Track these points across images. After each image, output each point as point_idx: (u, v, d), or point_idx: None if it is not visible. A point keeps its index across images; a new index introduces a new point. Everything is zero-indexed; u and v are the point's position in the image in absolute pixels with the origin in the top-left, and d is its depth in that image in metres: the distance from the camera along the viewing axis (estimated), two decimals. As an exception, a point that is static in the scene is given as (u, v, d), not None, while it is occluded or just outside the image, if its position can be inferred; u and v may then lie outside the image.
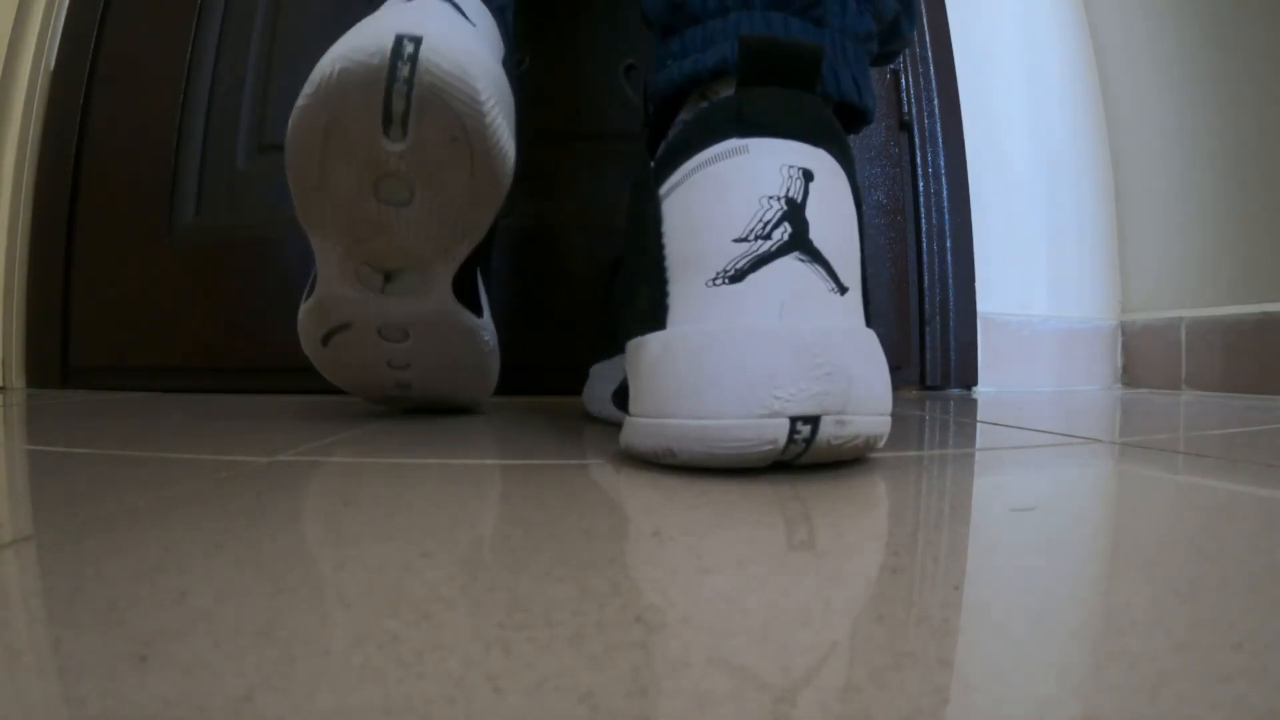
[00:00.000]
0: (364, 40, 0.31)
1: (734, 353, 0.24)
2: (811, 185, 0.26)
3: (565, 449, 0.33)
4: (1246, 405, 0.64)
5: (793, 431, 0.24)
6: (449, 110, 0.32)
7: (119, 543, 0.17)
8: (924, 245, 0.83)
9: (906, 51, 0.83)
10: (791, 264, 0.25)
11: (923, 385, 0.83)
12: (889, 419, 0.27)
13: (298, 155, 0.34)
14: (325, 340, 0.42)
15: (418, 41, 0.31)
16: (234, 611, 0.12)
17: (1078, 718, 0.09)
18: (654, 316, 0.27)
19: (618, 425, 0.37)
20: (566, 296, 0.70)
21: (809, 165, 0.26)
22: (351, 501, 0.22)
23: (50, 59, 0.77)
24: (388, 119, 0.32)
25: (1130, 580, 0.15)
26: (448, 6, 0.36)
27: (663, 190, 0.28)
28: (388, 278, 0.39)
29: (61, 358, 0.74)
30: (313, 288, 0.41)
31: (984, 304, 0.86)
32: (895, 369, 0.80)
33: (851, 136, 0.33)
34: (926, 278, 0.82)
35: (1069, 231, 0.95)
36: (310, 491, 0.24)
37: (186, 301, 0.72)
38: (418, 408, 0.51)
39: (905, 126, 0.83)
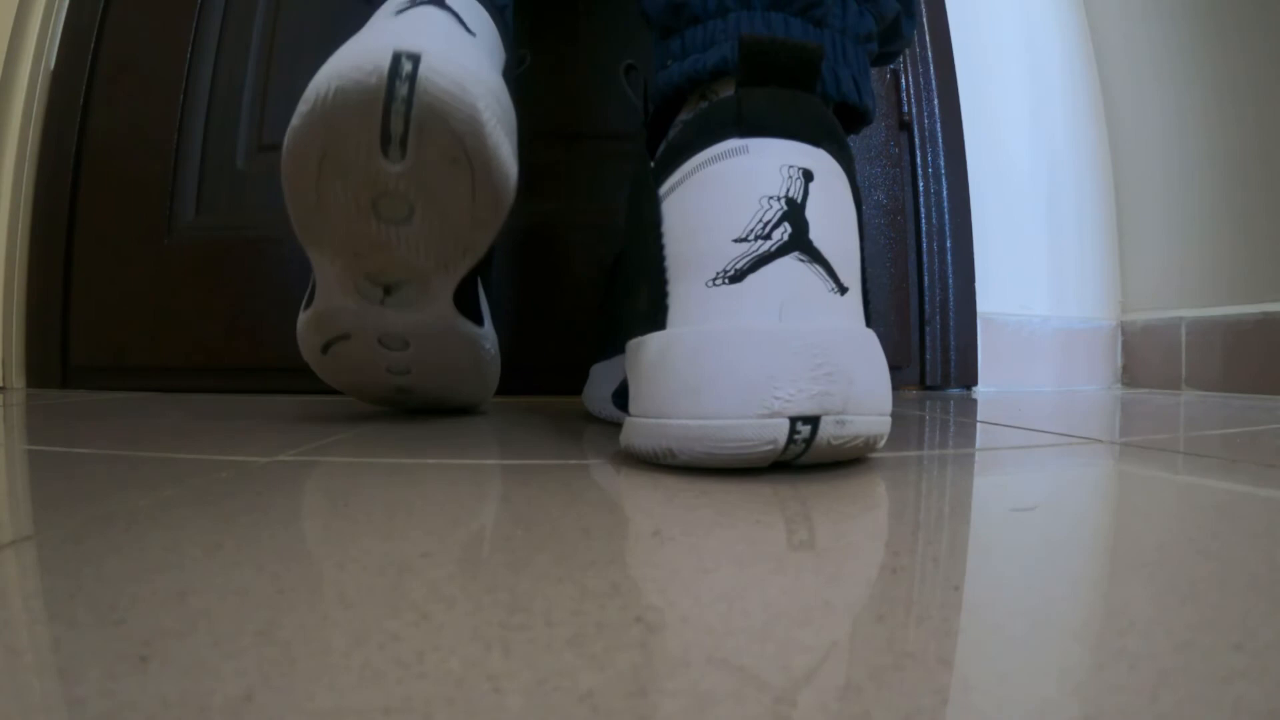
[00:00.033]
0: (360, 58, 0.30)
1: (734, 353, 0.24)
2: (811, 185, 0.26)
3: (565, 449, 0.33)
4: (1246, 405, 0.64)
5: (793, 432, 0.24)
6: (449, 131, 0.31)
7: (119, 543, 0.17)
8: (924, 245, 0.83)
9: (906, 51, 0.83)
10: (791, 264, 0.25)
11: (923, 385, 0.83)
12: (889, 419, 0.27)
13: (293, 174, 0.33)
14: (325, 349, 0.42)
15: (416, 59, 0.30)
16: (234, 611, 0.12)
17: (1078, 718, 0.09)
18: (654, 317, 0.27)
19: (618, 425, 0.37)
20: (566, 296, 0.70)
21: (809, 165, 0.26)
22: (351, 501, 0.22)
23: (50, 59, 0.77)
24: (386, 139, 0.31)
25: (1130, 580, 0.15)
26: (446, 16, 0.35)
27: (663, 190, 0.28)
28: (388, 290, 0.39)
29: (61, 358, 0.74)
30: (311, 298, 0.41)
31: (984, 304, 0.86)
32: (895, 369, 0.80)
33: (851, 136, 0.33)
34: (926, 278, 0.83)
35: (1069, 231, 0.95)
36: (310, 491, 0.24)
37: (186, 301, 0.72)
38: (418, 409, 0.51)
39: (905, 126, 0.83)
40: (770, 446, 0.24)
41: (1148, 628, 0.12)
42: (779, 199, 0.26)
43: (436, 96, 0.30)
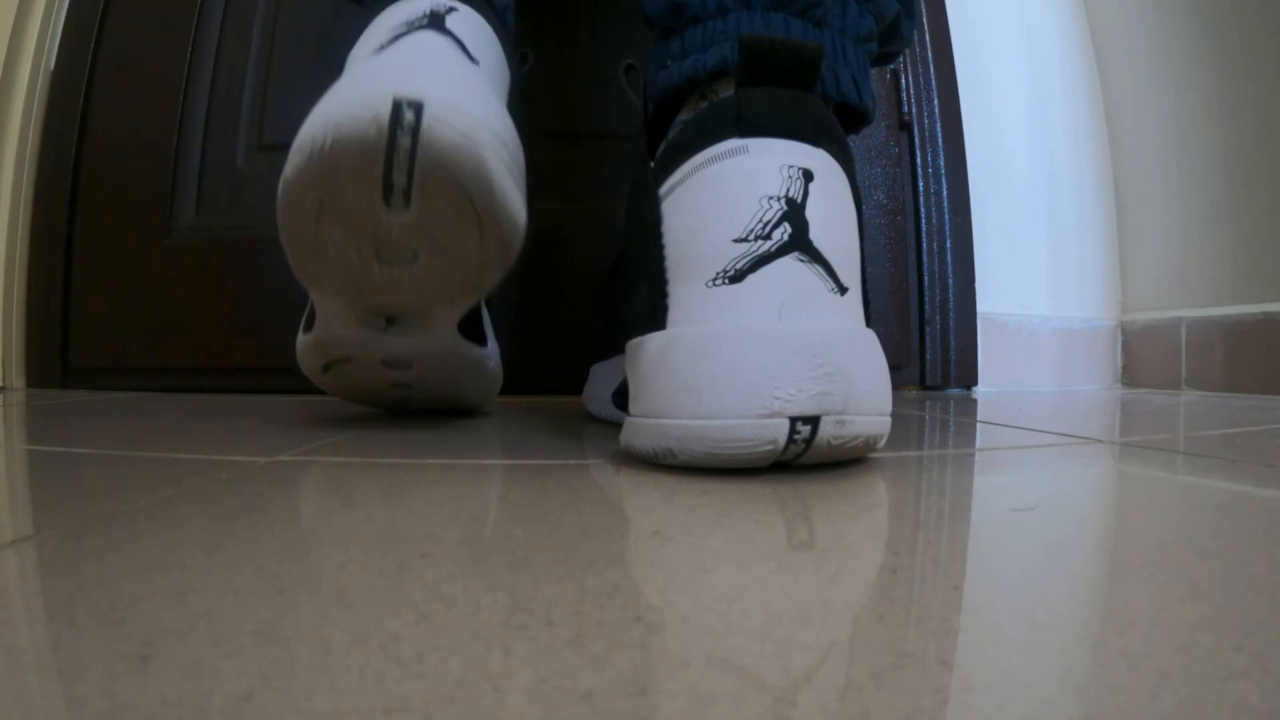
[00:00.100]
0: (358, 106, 0.28)
1: (734, 353, 0.24)
2: (811, 185, 0.26)
3: (565, 449, 0.33)
4: (1247, 405, 0.64)
5: (792, 432, 0.24)
6: (455, 183, 0.30)
7: (119, 543, 0.17)
8: (924, 245, 0.83)
9: (906, 51, 0.83)
10: (791, 264, 0.25)
11: (923, 385, 0.83)
12: (889, 419, 0.27)
13: (290, 222, 0.32)
14: (326, 369, 0.42)
15: (419, 108, 0.28)
16: (234, 611, 0.12)
17: (1078, 718, 0.09)
18: (654, 317, 0.27)
19: (618, 425, 0.37)
20: (567, 296, 0.70)
21: (809, 165, 0.26)
22: (351, 501, 0.22)
23: (50, 59, 0.77)
24: (388, 190, 0.30)
25: (1130, 580, 0.15)
26: (446, 43, 0.33)
27: (662, 190, 0.28)
28: (390, 320, 0.37)
29: (61, 358, 0.74)
30: (311, 321, 0.40)
31: (984, 304, 0.86)
32: (895, 369, 0.80)
33: (851, 136, 0.33)
34: (926, 278, 0.83)
35: (1069, 232, 0.95)
36: (310, 491, 0.24)
37: (186, 301, 0.72)
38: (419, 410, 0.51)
39: (905, 126, 0.83)
40: (770, 446, 0.24)
41: (1148, 628, 0.12)
42: (779, 199, 0.26)
43: (441, 149, 0.29)
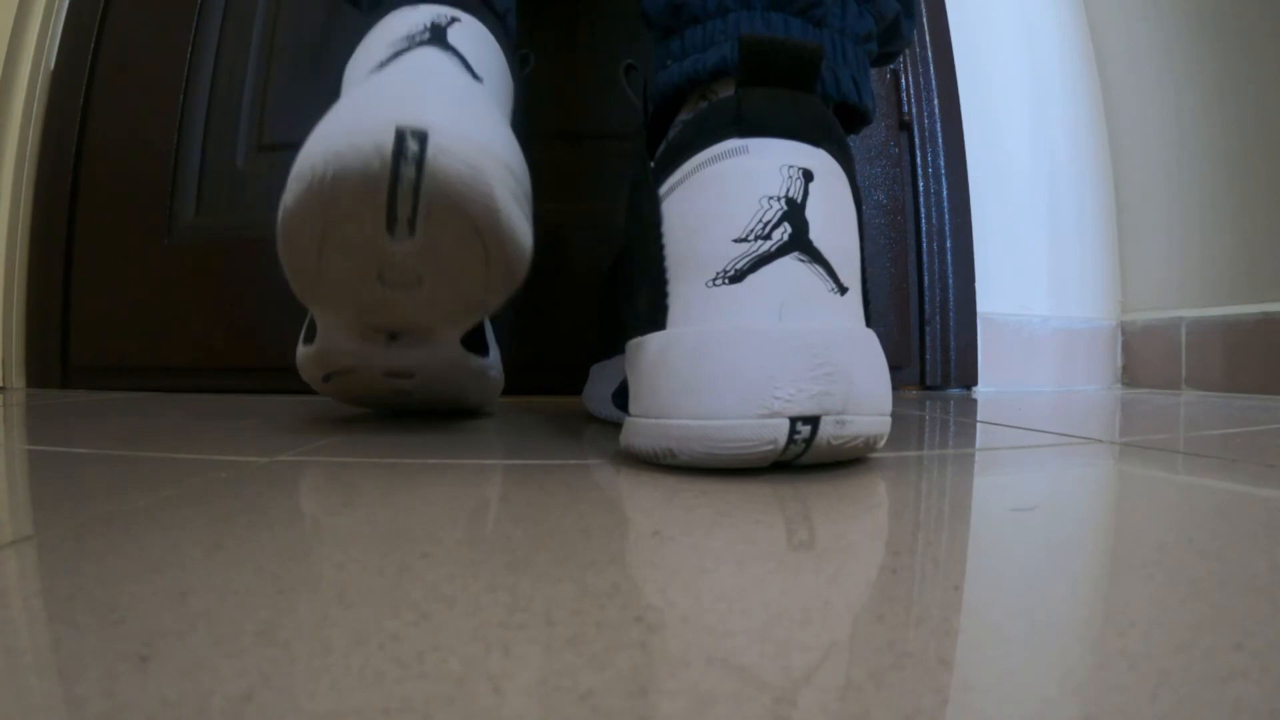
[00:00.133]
0: (359, 135, 0.27)
1: (734, 353, 0.24)
2: (811, 185, 0.26)
3: (565, 449, 0.33)
4: (1247, 405, 0.64)
5: (793, 432, 0.24)
6: (462, 213, 0.29)
7: (119, 543, 0.17)
8: (924, 245, 0.83)
9: (906, 51, 0.83)
10: (791, 264, 0.25)
11: (923, 385, 0.83)
12: (889, 419, 0.27)
13: (291, 249, 0.31)
14: (327, 379, 0.42)
15: (423, 138, 0.27)
16: (234, 611, 0.12)
17: (1078, 718, 0.09)
18: (654, 317, 0.27)
19: (618, 425, 0.37)
20: (567, 296, 0.70)
21: (809, 165, 0.26)
22: (351, 501, 0.22)
23: (50, 59, 0.77)
24: (392, 220, 0.29)
25: (1130, 580, 0.15)
26: (449, 60, 0.32)
27: (662, 190, 0.28)
28: (393, 336, 0.37)
29: (61, 358, 0.74)
30: (311, 333, 0.39)
31: (984, 304, 0.86)
32: (895, 369, 0.80)
33: (851, 136, 0.33)
34: (926, 278, 0.83)
35: (1069, 232, 0.95)
36: (310, 491, 0.24)
37: (186, 301, 0.72)
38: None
39: (905, 126, 0.83)
40: (770, 446, 0.24)
41: (1148, 628, 0.12)
42: (779, 199, 0.26)
43: (446, 180, 0.28)
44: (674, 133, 0.32)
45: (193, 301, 0.71)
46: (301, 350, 0.40)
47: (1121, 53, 0.97)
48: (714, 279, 0.25)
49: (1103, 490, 0.27)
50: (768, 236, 0.25)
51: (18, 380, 0.75)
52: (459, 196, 0.28)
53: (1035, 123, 0.94)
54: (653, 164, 0.30)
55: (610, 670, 0.10)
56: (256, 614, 0.12)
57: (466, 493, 0.23)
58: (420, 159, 0.27)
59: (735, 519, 0.19)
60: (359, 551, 0.16)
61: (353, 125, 0.27)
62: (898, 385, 0.81)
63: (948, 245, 0.83)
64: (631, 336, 0.29)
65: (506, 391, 0.55)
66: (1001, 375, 0.88)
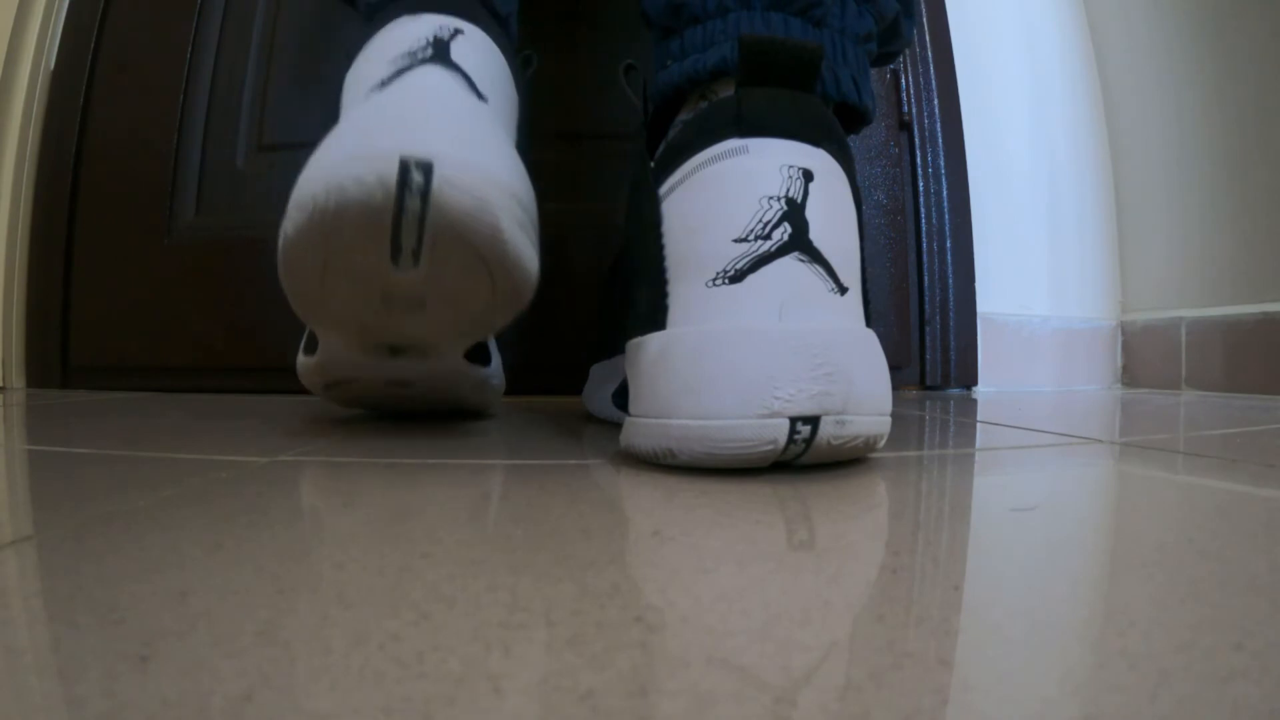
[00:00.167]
0: (362, 166, 0.26)
1: (734, 353, 0.24)
2: (811, 185, 0.26)
3: (565, 449, 0.33)
4: (1247, 405, 0.64)
5: (793, 432, 0.24)
6: (467, 244, 0.28)
7: (119, 543, 0.17)
8: (924, 245, 0.83)
9: (906, 51, 0.83)
10: (791, 264, 0.25)
11: (923, 385, 0.83)
12: (889, 419, 0.27)
13: (293, 277, 0.30)
14: (328, 388, 0.42)
15: (428, 170, 0.26)
16: (234, 611, 0.12)
17: (1078, 718, 0.09)
18: (654, 317, 0.27)
19: (618, 425, 0.37)
20: (567, 296, 0.70)
21: (809, 165, 0.26)
22: (351, 501, 0.22)
23: (50, 59, 0.77)
24: (396, 251, 0.28)
25: (1130, 580, 0.15)
26: (453, 80, 0.31)
27: (662, 190, 0.28)
28: (395, 350, 0.37)
29: (61, 358, 0.74)
30: (311, 344, 0.39)
31: (984, 304, 0.86)
32: (895, 369, 0.80)
33: (851, 136, 0.33)
34: (926, 278, 0.83)
35: (1069, 231, 0.95)
36: (310, 491, 0.24)
37: (186, 301, 0.72)
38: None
39: (905, 126, 0.83)
40: (770, 446, 0.24)
41: (1148, 628, 0.12)
42: (779, 199, 0.26)
43: (452, 213, 0.27)
44: (674, 133, 0.32)
45: (193, 301, 0.71)
46: (302, 360, 0.40)
47: (1121, 53, 0.97)
48: (714, 279, 0.25)
49: (1103, 490, 0.27)
50: (768, 236, 0.25)
51: (18, 380, 0.74)
52: (464, 228, 0.28)
53: (1035, 123, 0.94)
54: (653, 164, 0.30)
55: (610, 670, 0.10)
56: (256, 614, 0.12)
57: (466, 493, 0.23)
58: (425, 191, 0.26)
59: (735, 519, 0.19)
60: (359, 551, 0.16)
61: (355, 154, 0.27)
62: (898, 385, 0.81)
63: (948, 245, 0.83)
64: (631, 336, 0.29)
65: (507, 392, 0.55)
66: (1001, 375, 0.88)
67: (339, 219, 0.27)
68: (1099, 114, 0.99)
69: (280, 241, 0.29)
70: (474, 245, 0.28)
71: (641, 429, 0.27)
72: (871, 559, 0.17)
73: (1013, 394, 0.80)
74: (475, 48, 0.33)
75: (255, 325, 0.70)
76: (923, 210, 0.83)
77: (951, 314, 0.83)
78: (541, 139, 0.69)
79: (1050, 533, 0.19)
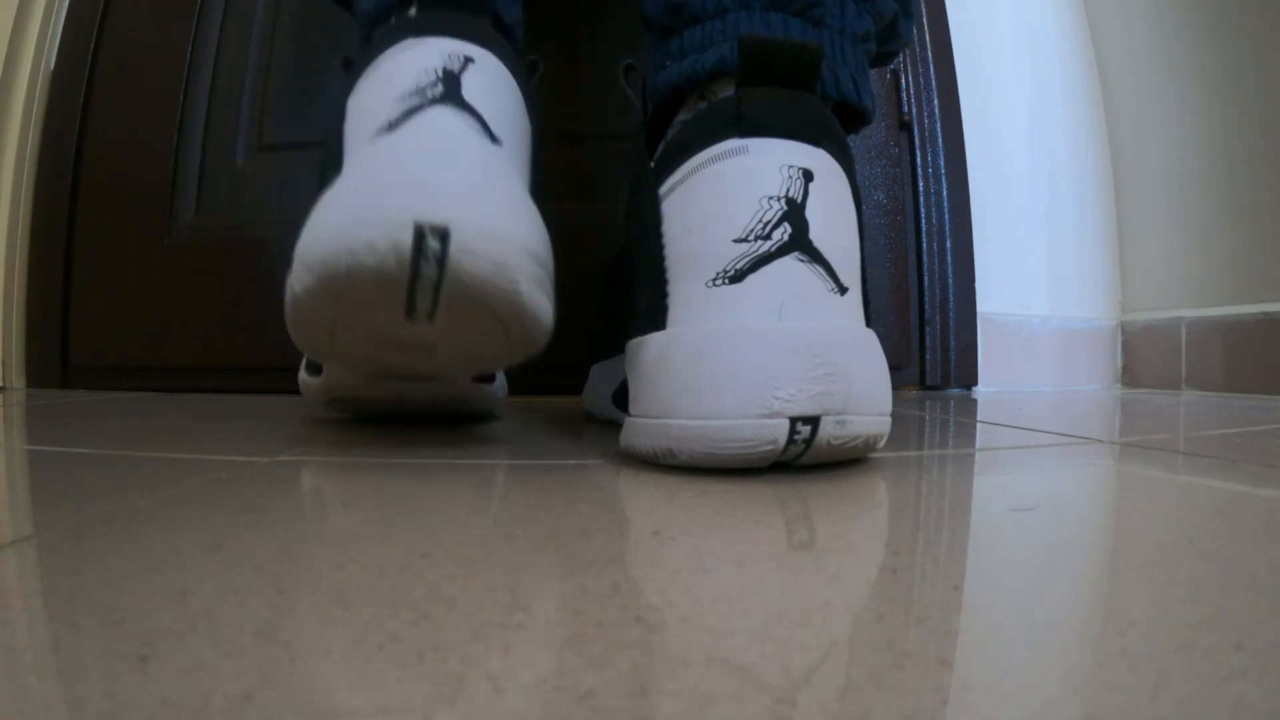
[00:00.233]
0: (374, 231, 0.25)
1: (734, 353, 0.24)
2: (811, 185, 0.26)
3: (565, 449, 0.33)
4: (1247, 405, 0.64)
5: (793, 432, 0.24)
6: (484, 306, 0.28)
7: (119, 543, 0.17)
8: (924, 245, 0.83)
9: (906, 51, 0.83)
10: (791, 264, 0.25)
11: (923, 385, 0.83)
12: (889, 419, 0.27)
13: (303, 333, 0.30)
14: (331, 404, 0.42)
15: (444, 236, 0.25)
16: (234, 611, 0.12)
17: (1078, 718, 0.09)
18: (654, 317, 0.27)
19: (618, 425, 0.37)
20: (567, 296, 0.70)
21: (809, 165, 0.26)
22: (351, 501, 0.22)
23: (50, 59, 0.77)
24: (410, 310, 0.27)
25: (1130, 580, 0.15)
26: (467, 125, 0.30)
27: (662, 190, 0.28)
28: (404, 377, 0.37)
29: (61, 358, 0.74)
30: (315, 365, 0.39)
31: (984, 304, 0.86)
32: (895, 369, 0.80)
33: (851, 136, 0.33)
34: (926, 278, 0.83)
35: (1069, 232, 0.95)
36: (310, 491, 0.24)
37: (186, 301, 0.72)
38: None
39: (905, 126, 0.83)
40: (770, 446, 0.24)
41: (1148, 628, 0.12)
42: (779, 199, 0.26)
43: (471, 279, 0.26)
44: (673, 133, 0.32)
45: (193, 301, 0.71)
46: (305, 379, 0.40)
47: (1121, 53, 0.97)
48: (714, 279, 0.25)
49: (1103, 490, 0.27)
50: (768, 236, 0.25)
51: (18, 380, 0.74)
52: (481, 292, 0.27)
53: (1035, 123, 0.94)
54: (652, 164, 0.30)
55: (610, 670, 0.10)
56: (256, 614, 0.12)
57: (466, 493, 0.23)
58: (442, 257, 0.25)
59: (735, 519, 0.19)
60: (359, 551, 0.16)
61: (365, 217, 0.26)
62: (898, 385, 0.81)
63: (948, 245, 0.83)
64: (631, 336, 0.29)
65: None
66: (1001, 375, 0.88)
67: (350, 282, 0.26)
68: (1099, 114, 0.99)
69: (287, 298, 0.28)
70: (491, 307, 0.28)
71: (641, 429, 0.27)
72: (871, 559, 0.17)
73: (1013, 394, 0.80)
74: (488, 79, 0.32)
75: (255, 325, 0.70)
76: (923, 210, 0.83)
77: (951, 314, 0.83)
78: (542, 139, 0.69)
79: (1050, 533, 0.19)
